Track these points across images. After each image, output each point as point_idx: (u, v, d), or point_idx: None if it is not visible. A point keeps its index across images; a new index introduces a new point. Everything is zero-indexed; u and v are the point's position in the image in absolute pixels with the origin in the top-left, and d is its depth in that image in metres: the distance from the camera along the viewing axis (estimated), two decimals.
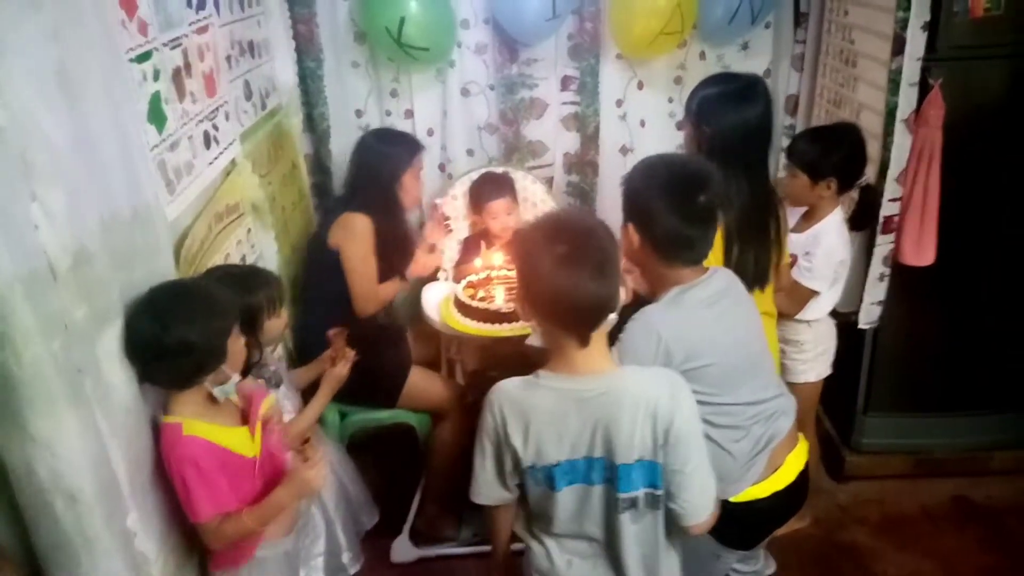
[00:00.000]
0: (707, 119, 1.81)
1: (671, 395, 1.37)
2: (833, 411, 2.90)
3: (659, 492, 1.41)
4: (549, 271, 1.29)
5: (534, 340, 1.64)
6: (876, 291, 2.46)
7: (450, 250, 2.98)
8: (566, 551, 1.49)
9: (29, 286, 1.13)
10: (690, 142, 1.91)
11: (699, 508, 1.42)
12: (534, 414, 1.37)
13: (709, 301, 1.60)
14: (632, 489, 1.38)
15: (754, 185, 1.86)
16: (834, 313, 2.40)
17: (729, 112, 1.81)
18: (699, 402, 1.47)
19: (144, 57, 1.58)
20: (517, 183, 2.89)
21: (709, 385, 1.57)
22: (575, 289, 1.28)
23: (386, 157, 2.50)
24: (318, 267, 2.51)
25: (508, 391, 1.41)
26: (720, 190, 1.60)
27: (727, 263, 1.83)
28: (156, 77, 1.64)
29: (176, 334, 1.37)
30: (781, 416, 1.70)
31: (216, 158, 1.97)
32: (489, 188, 2.82)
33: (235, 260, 2.04)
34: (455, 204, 2.97)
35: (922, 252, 2.37)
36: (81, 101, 1.27)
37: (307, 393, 2.15)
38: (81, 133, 1.26)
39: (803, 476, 1.75)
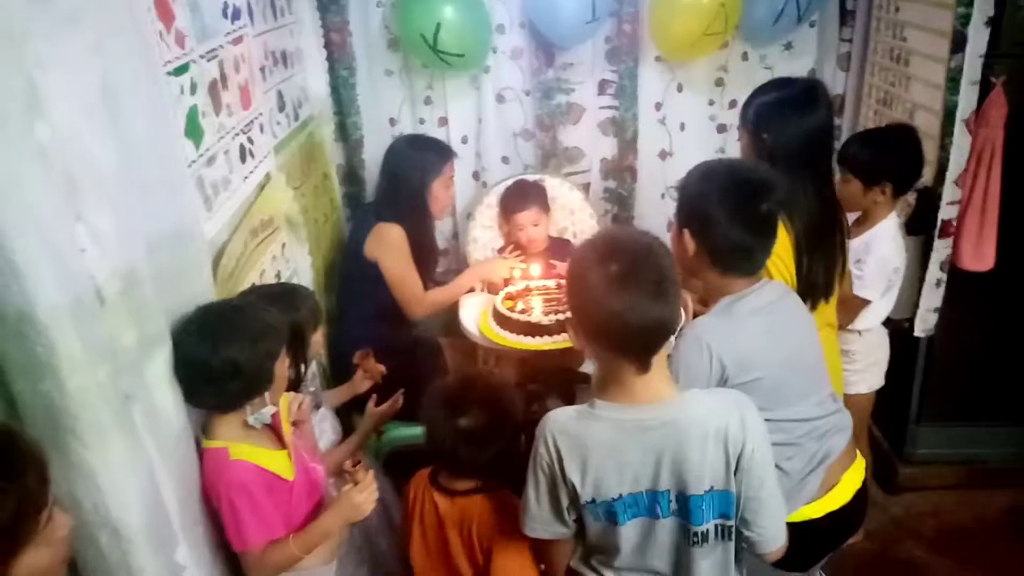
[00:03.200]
0: (767, 127, 1.74)
1: (740, 418, 1.28)
2: (884, 421, 2.80)
3: (730, 522, 1.33)
4: (603, 293, 1.19)
5: (589, 367, 1.55)
6: (933, 297, 2.37)
7: (484, 259, 2.92)
8: None
9: (75, 313, 1.08)
10: (748, 151, 1.83)
11: (776, 534, 1.35)
12: (592, 447, 1.28)
13: (761, 311, 1.53)
14: (704, 521, 1.30)
15: (821, 193, 1.78)
16: (886, 321, 2.31)
17: (790, 119, 1.73)
18: None
19: (182, 70, 1.54)
20: (554, 190, 2.83)
21: (761, 399, 1.47)
22: (632, 311, 1.18)
23: (416, 163, 2.48)
24: (355, 280, 2.49)
25: (562, 423, 1.31)
26: (783, 198, 1.53)
27: (798, 275, 1.75)
28: (193, 90, 1.59)
29: (226, 356, 1.33)
30: (837, 433, 1.62)
31: (251, 172, 1.93)
32: (516, 198, 2.76)
33: (270, 276, 1.99)
34: (489, 213, 2.91)
35: (981, 257, 2.28)
36: (124, 117, 1.23)
37: (339, 412, 2.13)
38: (125, 150, 1.21)
39: (860, 495, 1.67)
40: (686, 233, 1.53)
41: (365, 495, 1.48)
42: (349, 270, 2.54)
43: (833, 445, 1.61)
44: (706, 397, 1.34)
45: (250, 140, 1.92)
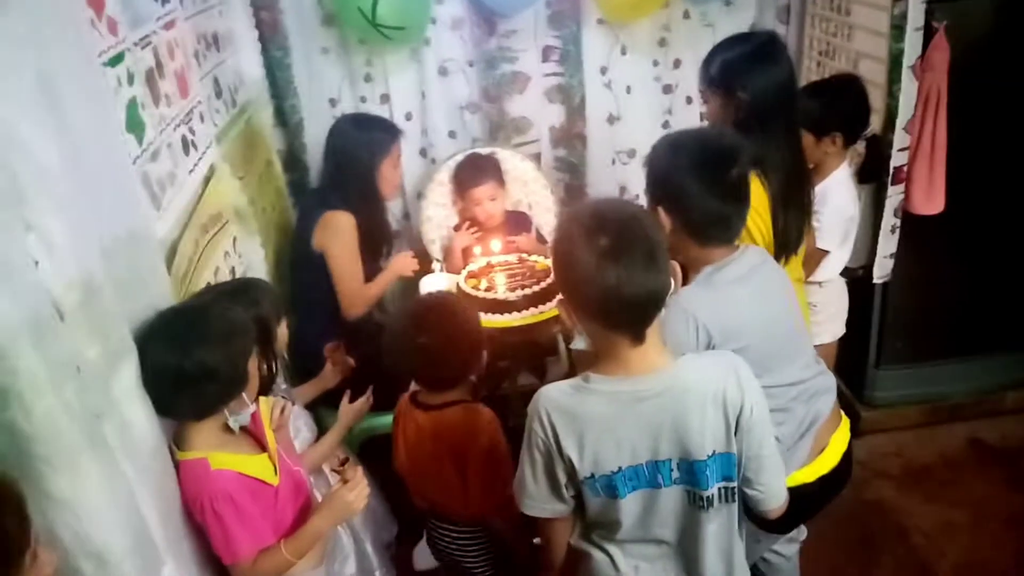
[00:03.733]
0: (740, 84, 1.71)
1: (737, 379, 1.28)
2: (844, 367, 2.83)
3: (733, 484, 1.32)
4: (595, 268, 1.16)
5: (579, 344, 1.53)
6: (889, 244, 2.42)
7: (440, 237, 2.86)
8: (632, 556, 1.39)
9: (34, 331, 0.99)
10: (720, 112, 1.80)
11: (778, 490, 1.35)
12: (588, 422, 1.26)
13: (743, 279, 1.52)
14: (710, 486, 1.29)
15: (792, 145, 1.78)
16: (843, 271, 2.34)
17: (761, 72, 1.71)
18: None
19: (117, 60, 1.43)
20: (506, 163, 2.78)
21: (749, 366, 1.48)
22: (627, 284, 1.15)
23: (361, 144, 2.37)
24: (305, 271, 2.38)
25: (555, 398, 1.28)
26: (750, 160, 1.51)
27: (775, 231, 1.75)
28: (131, 81, 1.49)
29: (198, 360, 1.26)
30: (824, 394, 1.63)
31: (196, 165, 1.82)
32: (471, 173, 2.70)
33: (224, 272, 1.90)
34: (441, 190, 2.84)
35: (932, 200, 2.33)
36: (65, 111, 1.13)
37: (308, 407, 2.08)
38: (69, 148, 1.12)
39: (847, 458, 1.69)
40: (661, 211, 1.50)
41: (356, 492, 1.45)
42: (299, 262, 2.42)
43: (821, 407, 1.62)
44: (700, 361, 1.33)
45: (191, 131, 1.82)
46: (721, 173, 1.46)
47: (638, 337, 1.23)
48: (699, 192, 1.45)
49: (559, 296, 1.32)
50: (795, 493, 1.56)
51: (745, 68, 1.73)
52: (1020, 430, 2.74)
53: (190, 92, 1.86)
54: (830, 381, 1.68)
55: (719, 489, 1.31)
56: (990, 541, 2.34)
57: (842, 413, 1.72)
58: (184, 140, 1.76)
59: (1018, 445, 2.69)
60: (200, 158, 1.86)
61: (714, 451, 1.27)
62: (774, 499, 1.35)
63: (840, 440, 1.67)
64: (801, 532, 2.21)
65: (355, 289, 2.37)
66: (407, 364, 1.74)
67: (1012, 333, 2.73)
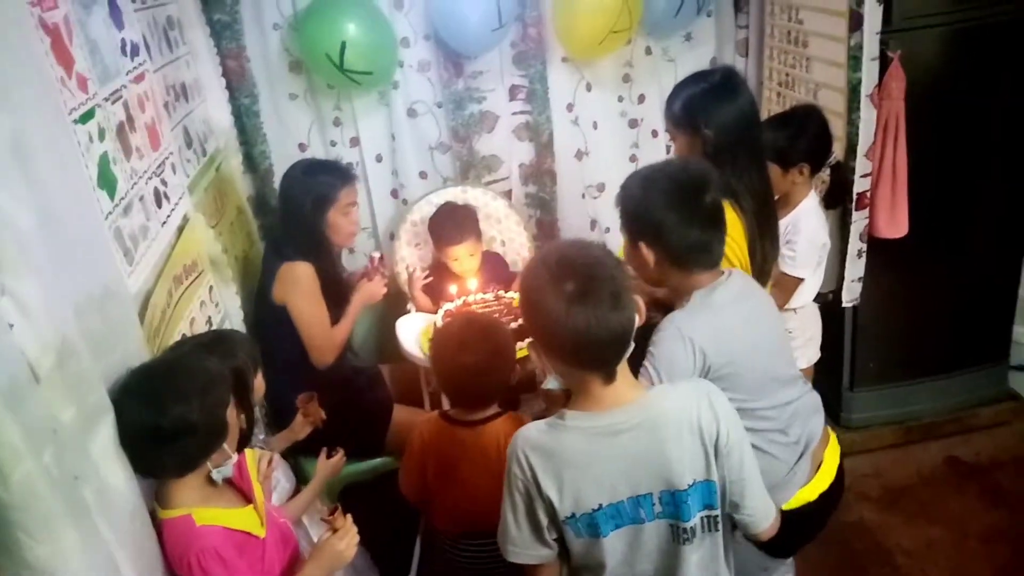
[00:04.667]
0: (705, 120, 1.75)
1: (709, 404, 1.29)
2: (819, 391, 2.87)
3: (715, 512, 1.33)
4: (564, 312, 1.18)
5: (550, 383, 1.55)
6: (856, 268, 2.46)
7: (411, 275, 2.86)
8: None
9: (10, 395, 0.97)
10: (688, 149, 1.83)
11: (766, 511, 1.36)
12: (566, 459, 1.26)
13: (734, 302, 1.54)
14: (692, 516, 1.29)
15: (762, 176, 1.82)
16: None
17: (724, 107, 1.75)
18: (739, 409, 1.40)
19: (88, 116, 1.42)
20: (477, 200, 2.80)
21: (746, 391, 1.51)
22: (596, 326, 1.18)
23: (308, 192, 2.25)
24: (269, 326, 2.31)
25: (532, 438, 1.29)
26: (721, 185, 1.56)
27: (752, 260, 1.78)
28: (102, 136, 1.48)
29: (175, 415, 1.24)
30: (814, 414, 1.66)
31: (169, 216, 1.81)
32: (449, 229, 2.62)
33: (200, 322, 1.88)
34: (414, 231, 2.85)
35: (896, 224, 2.38)
36: (38, 173, 1.12)
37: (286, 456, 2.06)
38: (42, 209, 1.11)
39: (840, 471, 1.71)
40: (642, 245, 1.53)
41: (347, 541, 1.44)
42: (262, 315, 2.33)
43: (814, 427, 1.64)
44: (672, 391, 1.34)
45: (163, 182, 1.81)
46: (695, 201, 1.49)
47: (609, 375, 1.26)
48: (676, 222, 1.48)
49: (529, 338, 1.33)
50: (800, 513, 1.59)
51: (706, 105, 1.77)
52: (993, 446, 2.78)
53: (161, 143, 1.85)
54: (817, 399, 1.71)
55: (701, 519, 1.31)
56: (971, 558, 2.37)
57: (829, 429, 1.74)
58: (156, 192, 1.75)
59: (992, 461, 2.73)
60: (173, 209, 1.85)
61: (694, 480, 1.28)
62: (763, 519, 1.36)
63: (833, 455, 1.70)
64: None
65: (323, 337, 2.29)
66: (452, 384, 1.81)
67: (980, 350, 2.79)
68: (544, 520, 1.31)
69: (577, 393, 1.30)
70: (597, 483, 1.27)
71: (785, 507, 1.56)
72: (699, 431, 1.27)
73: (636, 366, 1.54)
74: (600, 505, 1.28)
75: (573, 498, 1.27)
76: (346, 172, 2.40)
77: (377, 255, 2.61)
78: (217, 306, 2.03)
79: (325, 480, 1.93)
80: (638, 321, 1.26)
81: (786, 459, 1.58)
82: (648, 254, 1.53)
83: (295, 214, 2.28)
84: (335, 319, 2.35)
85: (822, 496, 1.63)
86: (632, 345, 1.26)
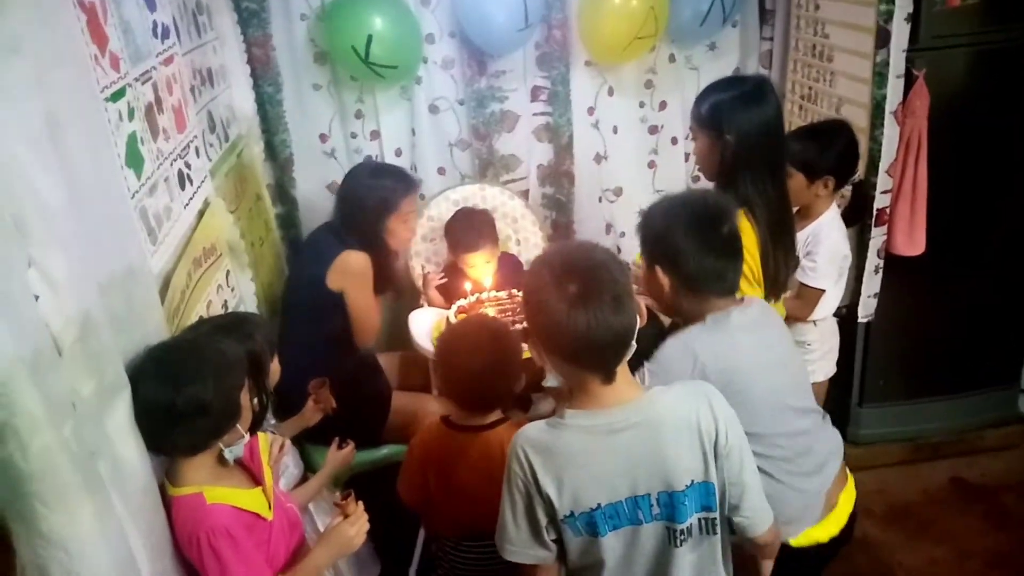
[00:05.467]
0: (728, 125, 1.75)
1: (708, 405, 1.30)
2: (829, 405, 2.88)
3: (713, 515, 1.33)
4: (566, 314, 1.20)
5: (551, 381, 1.55)
6: (873, 284, 2.46)
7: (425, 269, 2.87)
8: None
9: (33, 366, 0.98)
10: (707, 152, 1.84)
11: (764, 514, 1.36)
12: (565, 458, 1.27)
13: (747, 327, 1.54)
14: (688, 517, 1.29)
15: (779, 187, 1.82)
16: None
17: (750, 114, 1.75)
18: (748, 433, 1.40)
19: (119, 95, 1.44)
20: (495, 199, 2.81)
21: (753, 415, 1.47)
22: (596, 328, 1.20)
23: (372, 195, 2.31)
24: (309, 307, 2.33)
25: (533, 437, 1.30)
26: (737, 218, 1.56)
27: (764, 272, 1.78)
28: (131, 116, 1.50)
29: (190, 395, 1.25)
30: (832, 455, 1.64)
31: (191, 199, 1.83)
32: (466, 236, 2.61)
33: (217, 306, 1.90)
34: (430, 225, 2.86)
35: (914, 242, 2.38)
36: (69, 149, 1.13)
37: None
38: (72, 185, 1.12)
39: (852, 516, 1.69)
40: (659, 270, 1.54)
41: (357, 527, 1.45)
42: (303, 297, 2.36)
43: (828, 461, 1.62)
44: (671, 391, 1.34)
45: (187, 165, 1.83)
46: (713, 230, 1.51)
47: (609, 376, 1.27)
48: (694, 250, 1.50)
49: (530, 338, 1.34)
50: (810, 553, 1.58)
51: (733, 110, 1.77)
52: (999, 468, 2.77)
53: (187, 126, 1.87)
54: (838, 440, 1.69)
55: (698, 520, 1.32)
56: None
57: (848, 471, 1.71)
58: (180, 174, 1.77)
59: (997, 483, 2.72)
60: (195, 192, 1.87)
61: (692, 481, 1.28)
62: (761, 523, 1.36)
63: (847, 499, 1.67)
64: None
65: (373, 323, 2.40)
66: (457, 387, 1.78)
67: (990, 372, 2.79)
68: (543, 519, 1.31)
69: (577, 392, 1.31)
70: (596, 481, 1.28)
71: (793, 543, 1.56)
72: (698, 431, 1.28)
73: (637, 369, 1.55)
74: (599, 504, 1.28)
75: (572, 496, 1.28)
76: (411, 181, 2.43)
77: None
78: (233, 290, 2.05)
79: (334, 471, 1.94)
80: (639, 323, 1.27)
81: (797, 487, 1.56)
82: (664, 279, 1.54)
83: (356, 213, 2.32)
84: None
85: (832, 540, 1.62)
86: (634, 347, 1.27)
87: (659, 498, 1.29)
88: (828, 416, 1.72)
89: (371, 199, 2.31)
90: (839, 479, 1.66)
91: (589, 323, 1.19)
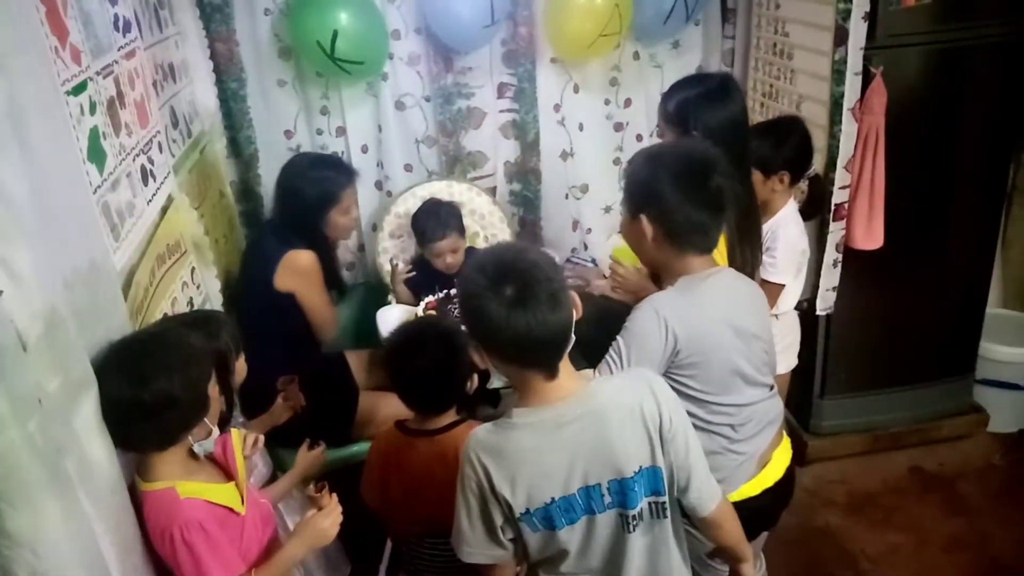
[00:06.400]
0: (695, 121, 1.78)
1: (651, 391, 1.32)
2: (790, 398, 2.93)
3: (662, 499, 1.35)
4: (504, 317, 1.21)
5: (497, 381, 1.56)
6: (831, 277, 2.51)
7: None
8: None
9: None
10: None
11: (712, 492, 1.39)
12: (516, 456, 1.29)
13: (719, 294, 1.57)
14: (638, 503, 1.32)
15: (745, 182, 1.85)
16: None
17: (715, 110, 1.78)
18: (696, 400, 1.49)
19: (80, 88, 1.41)
20: (462, 196, 2.81)
21: (708, 383, 1.54)
22: (536, 328, 1.21)
23: (312, 187, 2.33)
24: (262, 310, 2.31)
25: (484, 440, 1.31)
26: (726, 173, 1.57)
27: (732, 265, 1.80)
28: (93, 110, 1.47)
29: (157, 388, 1.24)
30: (771, 423, 1.69)
31: (154, 195, 1.80)
32: (433, 225, 2.62)
33: (182, 304, 1.87)
34: (397, 222, 2.85)
35: (872, 236, 2.43)
36: (32, 142, 1.11)
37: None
38: (35, 179, 1.10)
39: (790, 472, 1.74)
40: (643, 219, 1.55)
41: (331, 519, 1.45)
42: (255, 300, 2.34)
43: (767, 434, 1.68)
44: (613, 381, 1.39)
45: (150, 160, 1.80)
46: (701, 181, 1.52)
47: (552, 372, 1.29)
48: (681, 199, 1.51)
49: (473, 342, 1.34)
50: (741, 506, 1.59)
51: (699, 107, 1.80)
52: (955, 458, 2.86)
53: (150, 121, 1.84)
54: (780, 409, 1.74)
55: (648, 504, 1.34)
56: (931, 564, 2.43)
57: (784, 433, 1.78)
58: (143, 169, 1.74)
59: (953, 472, 2.80)
60: (158, 188, 1.84)
61: (640, 467, 1.31)
62: (710, 500, 1.39)
63: (783, 456, 1.73)
64: (761, 565, 2.27)
65: (330, 317, 2.42)
66: (406, 388, 1.79)
67: (948, 363, 2.86)
68: (499, 520, 1.33)
69: (522, 390, 1.32)
70: (548, 477, 1.29)
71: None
72: (642, 418, 1.30)
73: (604, 350, 1.58)
74: (552, 499, 1.30)
75: (527, 494, 1.29)
76: (350, 171, 2.46)
77: (398, 263, 2.73)
78: (199, 288, 2.02)
79: (305, 472, 1.92)
80: (576, 316, 1.29)
81: (734, 454, 1.61)
82: (648, 228, 1.55)
83: (295, 207, 2.33)
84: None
85: (765, 492, 1.66)
86: (572, 340, 1.28)
87: (610, 486, 1.31)
88: (784, 388, 1.76)
89: (312, 192, 2.32)
90: (774, 441, 1.71)
91: (529, 323, 1.20)
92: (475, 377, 1.83)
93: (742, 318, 1.61)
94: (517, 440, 1.29)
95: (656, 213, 1.54)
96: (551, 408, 1.29)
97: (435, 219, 2.63)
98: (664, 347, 1.51)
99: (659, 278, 1.72)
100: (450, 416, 1.80)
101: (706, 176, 1.52)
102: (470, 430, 1.72)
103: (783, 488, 1.73)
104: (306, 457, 1.93)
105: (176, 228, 1.92)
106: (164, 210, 1.86)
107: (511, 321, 1.20)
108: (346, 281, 2.94)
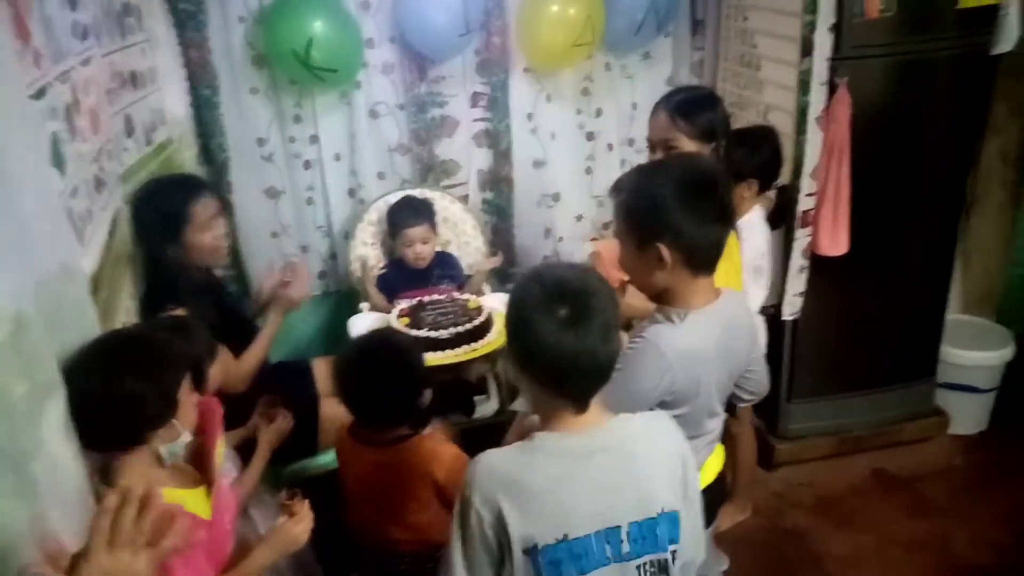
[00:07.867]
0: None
1: (678, 431, 1.27)
2: (758, 402, 2.98)
3: (676, 546, 1.24)
4: (555, 337, 1.14)
5: (519, 405, 1.53)
6: (797, 283, 2.56)
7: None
8: None
9: None
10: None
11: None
12: (534, 486, 1.18)
13: (724, 333, 1.47)
14: (660, 549, 1.21)
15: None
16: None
17: (727, 125, 1.84)
18: None
19: (41, 93, 1.41)
20: (436, 203, 2.82)
21: (685, 426, 1.40)
22: (583, 354, 1.15)
23: (154, 221, 1.99)
24: None
25: (500, 471, 1.19)
26: (726, 183, 1.51)
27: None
28: (53, 115, 1.46)
29: (122, 385, 1.24)
30: (718, 435, 1.62)
31: (107, 203, 1.78)
32: (406, 213, 2.71)
33: (134, 315, 1.85)
34: (370, 230, 2.86)
35: (837, 242, 2.48)
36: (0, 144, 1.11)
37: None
38: (4, 181, 1.10)
39: (719, 479, 1.70)
40: (661, 248, 1.39)
41: (303, 526, 1.46)
42: None
43: (712, 446, 1.62)
44: (639, 418, 1.28)
45: (102, 169, 1.77)
46: (711, 195, 1.42)
47: (583, 406, 1.22)
48: (699, 219, 1.39)
49: (504, 350, 1.29)
50: None
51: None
52: (915, 460, 2.91)
53: (101, 130, 1.81)
54: (721, 427, 1.64)
55: (672, 553, 1.23)
56: (895, 564, 2.47)
57: (719, 444, 1.69)
58: (97, 178, 1.72)
59: (915, 474, 2.86)
60: (110, 197, 1.82)
61: (662, 509, 1.22)
62: (697, 555, 1.32)
63: (714, 462, 1.66)
64: (721, 563, 2.30)
65: (231, 375, 2.06)
66: (352, 399, 1.78)
67: (910, 367, 2.92)
68: (497, 554, 1.21)
69: (545, 418, 1.25)
70: (566, 511, 1.19)
71: None
72: (679, 459, 1.25)
73: None
74: (566, 536, 1.18)
75: (539, 528, 1.18)
76: (193, 182, 2.20)
77: (296, 260, 2.65)
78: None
79: (271, 446, 1.90)
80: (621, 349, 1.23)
81: None
82: (666, 255, 1.40)
83: (147, 251, 1.99)
84: (242, 343, 2.16)
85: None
86: (609, 379, 1.23)
87: (630, 530, 1.21)
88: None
89: (154, 226, 1.99)
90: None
91: (576, 349, 1.14)
92: (427, 392, 1.81)
93: (736, 355, 1.54)
94: (541, 467, 1.19)
95: (674, 238, 1.39)
96: (578, 435, 1.21)
97: (409, 208, 2.71)
98: (654, 388, 1.41)
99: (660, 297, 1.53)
100: (401, 429, 1.79)
101: (713, 189, 1.42)
102: (424, 444, 1.74)
103: (710, 494, 1.58)
104: (268, 431, 1.91)
105: (128, 238, 1.91)
106: (115, 220, 1.83)
107: (558, 342, 1.14)
108: (316, 291, 2.94)
